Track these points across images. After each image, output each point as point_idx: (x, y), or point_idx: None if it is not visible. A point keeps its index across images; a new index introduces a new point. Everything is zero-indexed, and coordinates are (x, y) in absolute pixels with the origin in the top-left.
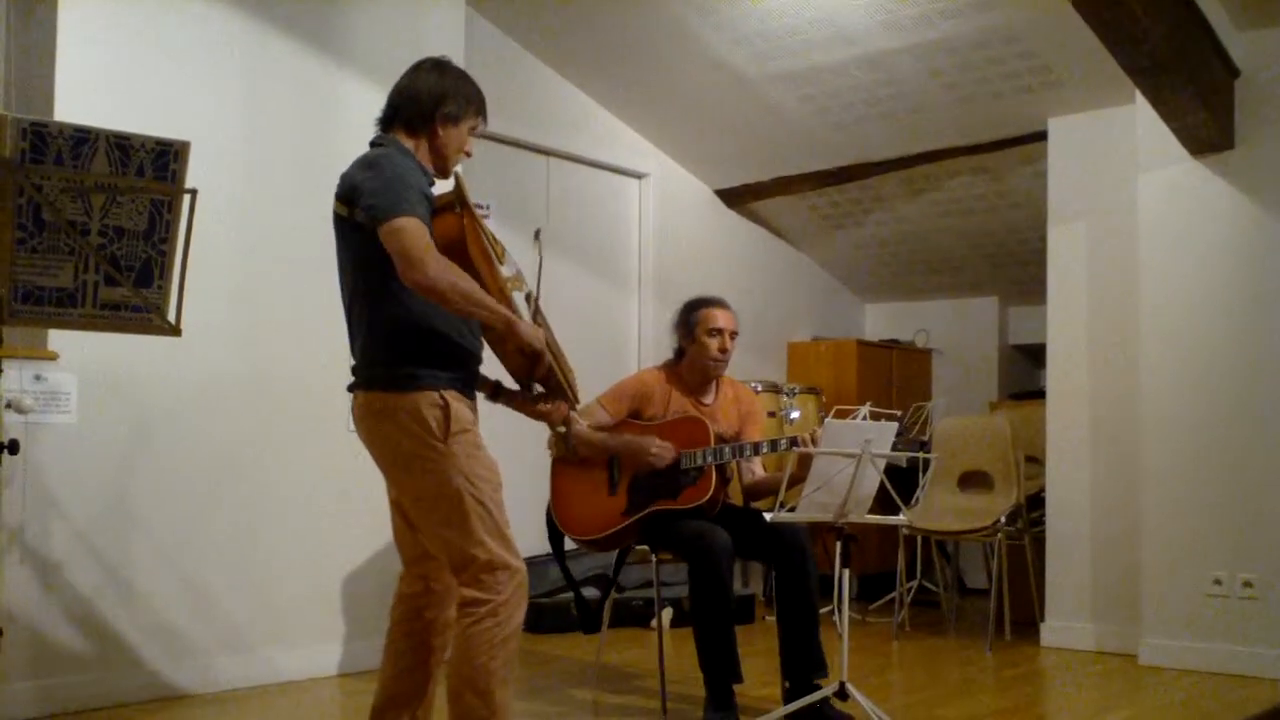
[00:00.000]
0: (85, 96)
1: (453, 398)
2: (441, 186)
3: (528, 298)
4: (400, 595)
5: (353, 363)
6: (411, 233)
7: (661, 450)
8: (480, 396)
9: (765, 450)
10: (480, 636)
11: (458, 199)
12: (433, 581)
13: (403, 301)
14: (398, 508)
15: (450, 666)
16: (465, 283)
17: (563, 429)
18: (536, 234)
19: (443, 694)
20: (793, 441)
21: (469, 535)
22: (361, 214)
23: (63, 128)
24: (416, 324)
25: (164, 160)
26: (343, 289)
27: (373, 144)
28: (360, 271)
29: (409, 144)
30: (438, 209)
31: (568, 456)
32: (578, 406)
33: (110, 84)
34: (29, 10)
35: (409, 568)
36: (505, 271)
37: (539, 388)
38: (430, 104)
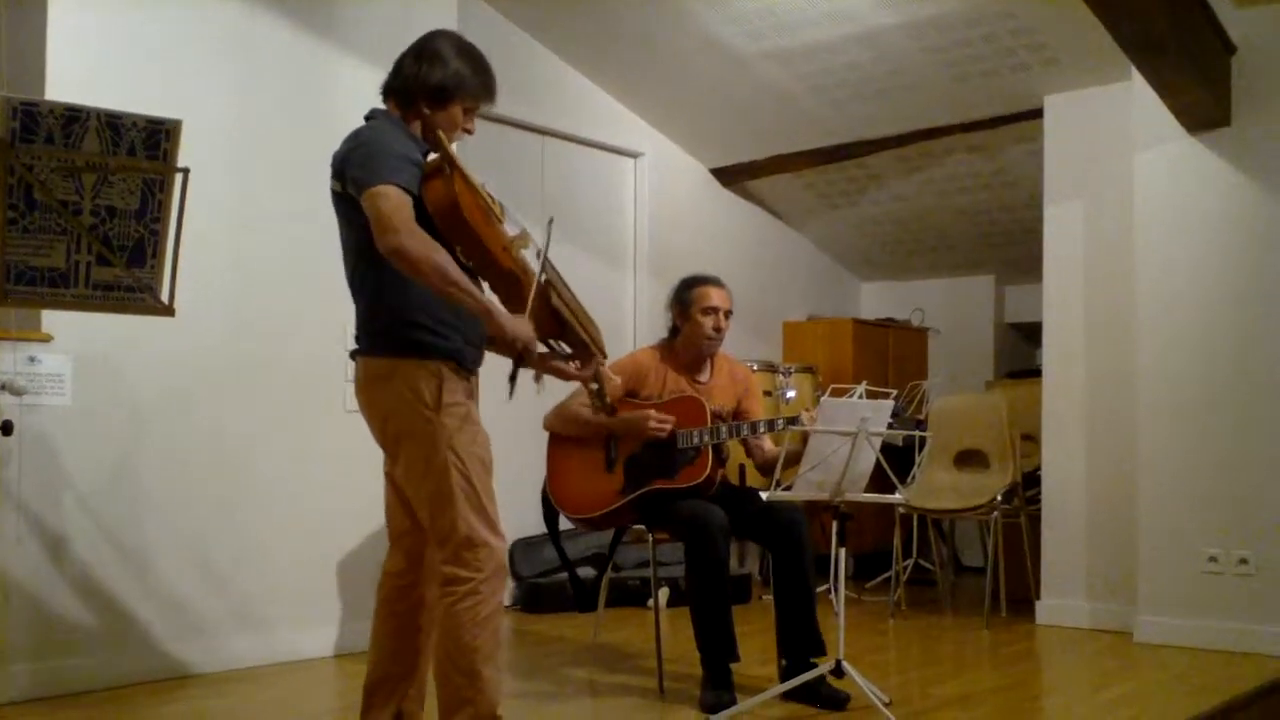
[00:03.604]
0: (76, 78)
1: (448, 369)
2: None
3: (537, 255)
4: (385, 574)
5: (354, 332)
6: (390, 199)
7: (662, 421)
8: (490, 377)
9: (763, 430)
10: (463, 615)
11: (445, 160)
12: (418, 557)
13: (403, 273)
14: (391, 480)
15: (436, 647)
16: (441, 258)
17: (595, 386)
18: (549, 222)
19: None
20: (790, 421)
21: (452, 510)
22: (351, 186)
23: (53, 107)
24: (417, 294)
25: (156, 139)
26: (345, 264)
27: (366, 117)
28: (360, 244)
29: (400, 114)
30: (426, 175)
31: (606, 414)
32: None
33: (101, 66)
34: None
35: (396, 542)
36: (509, 230)
37: (565, 347)
38: (415, 83)
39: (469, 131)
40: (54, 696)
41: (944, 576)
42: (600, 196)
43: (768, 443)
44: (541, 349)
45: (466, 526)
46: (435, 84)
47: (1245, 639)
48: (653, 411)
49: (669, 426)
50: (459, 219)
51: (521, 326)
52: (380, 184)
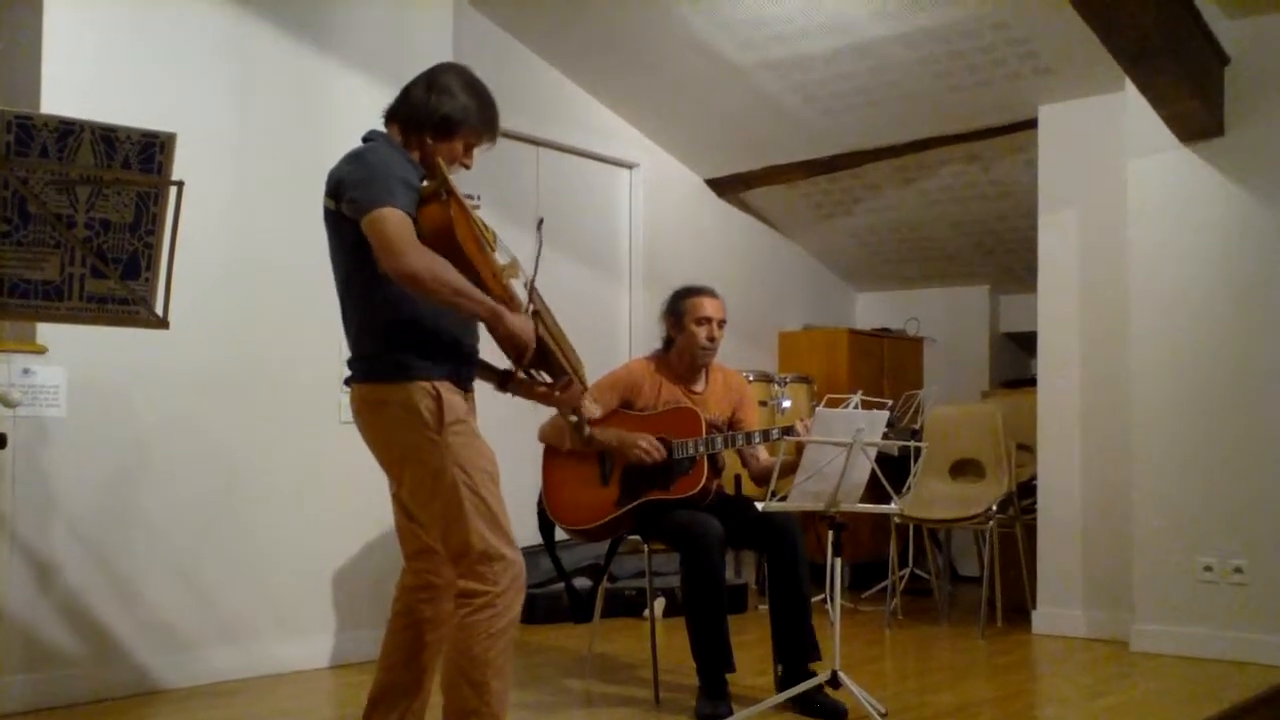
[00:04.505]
0: (71, 91)
1: (445, 388)
2: None
3: (525, 284)
4: (401, 588)
5: (347, 356)
6: (392, 222)
7: (649, 448)
8: (487, 387)
9: (758, 441)
10: (476, 627)
11: (442, 186)
12: (432, 576)
13: (394, 293)
14: (399, 501)
15: (446, 657)
16: (448, 272)
17: (574, 417)
18: (539, 223)
19: (438, 685)
20: (785, 431)
21: (464, 526)
22: (347, 207)
23: (47, 120)
24: (408, 315)
25: (150, 152)
26: (336, 285)
27: (364, 139)
28: (351, 264)
29: (401, 140)
30: (423, 199)
31: (582, 445)
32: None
33: (96, 78)
34: (14, 4)
35: (409, 562)
36: (499, 259)
37: (545, 376)
38: (422, 112)
39: (467, 166)
40: (48, 708)
41: (940, 586)
42: (595, 207)
43: (763, 453)
44: (523, 377)
45: (481, 541)
46: (442, 115)
47: (1240, 647)
48: (645, 436)
49: (656, 456)
50: (453, 245)
51: (528, 326)
52: (381, 207)
